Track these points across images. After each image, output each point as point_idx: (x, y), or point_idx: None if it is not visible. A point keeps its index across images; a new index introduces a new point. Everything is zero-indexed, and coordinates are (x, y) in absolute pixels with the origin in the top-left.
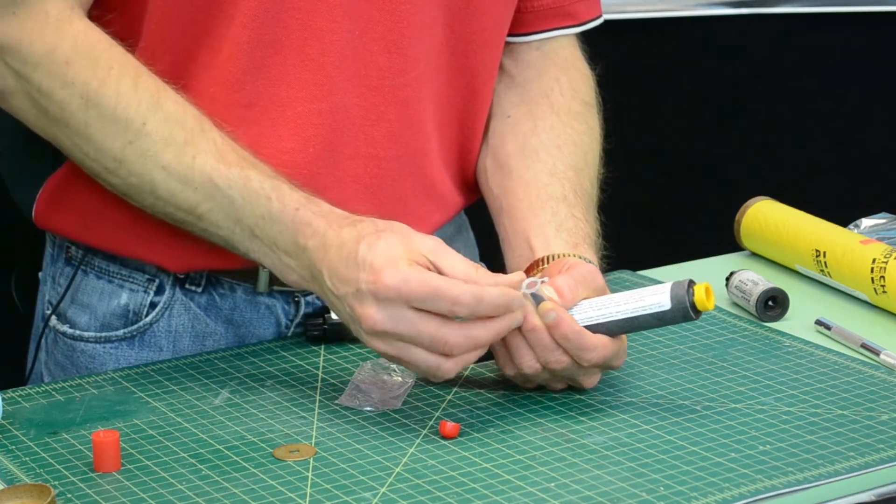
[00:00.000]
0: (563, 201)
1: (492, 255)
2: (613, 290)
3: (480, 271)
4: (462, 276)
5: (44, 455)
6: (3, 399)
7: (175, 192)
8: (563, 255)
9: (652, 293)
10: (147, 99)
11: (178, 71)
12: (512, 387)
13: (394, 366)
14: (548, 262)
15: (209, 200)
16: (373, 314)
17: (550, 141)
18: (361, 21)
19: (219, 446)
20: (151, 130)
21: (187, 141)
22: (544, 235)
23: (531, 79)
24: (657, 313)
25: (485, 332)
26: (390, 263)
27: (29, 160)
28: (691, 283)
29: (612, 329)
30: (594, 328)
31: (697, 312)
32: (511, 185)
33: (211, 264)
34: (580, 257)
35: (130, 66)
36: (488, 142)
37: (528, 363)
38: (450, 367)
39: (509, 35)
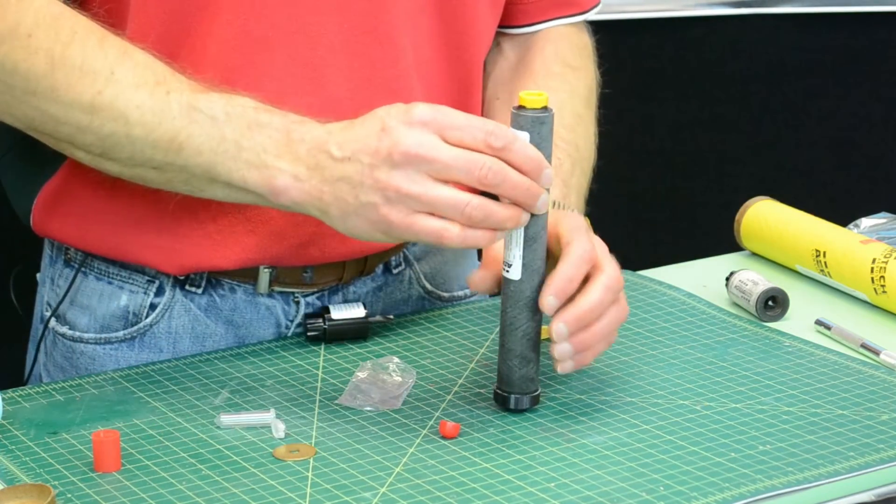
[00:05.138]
0: None
1: None
2: None
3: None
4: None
5: (44, 455)
6: (3, 399)
7: (152, 126)
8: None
9: None
10: (114, 53)
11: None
12: None
13: (394, 366)
14: None
15: (190, 125)
16: (392, 176)
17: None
18: (350, 13)
19: (219, 446)
20: (121, 77)
21: (158, 82)
22: None
23: (521, 56)
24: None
25: (502, 210)
26: (416, 105)
27: (26, 167)
28: None
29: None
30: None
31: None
32: None
33: (208, 265)
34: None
35: (95, 29)
36: None
37: None
38: (455, 234)
39: (513, 26)
